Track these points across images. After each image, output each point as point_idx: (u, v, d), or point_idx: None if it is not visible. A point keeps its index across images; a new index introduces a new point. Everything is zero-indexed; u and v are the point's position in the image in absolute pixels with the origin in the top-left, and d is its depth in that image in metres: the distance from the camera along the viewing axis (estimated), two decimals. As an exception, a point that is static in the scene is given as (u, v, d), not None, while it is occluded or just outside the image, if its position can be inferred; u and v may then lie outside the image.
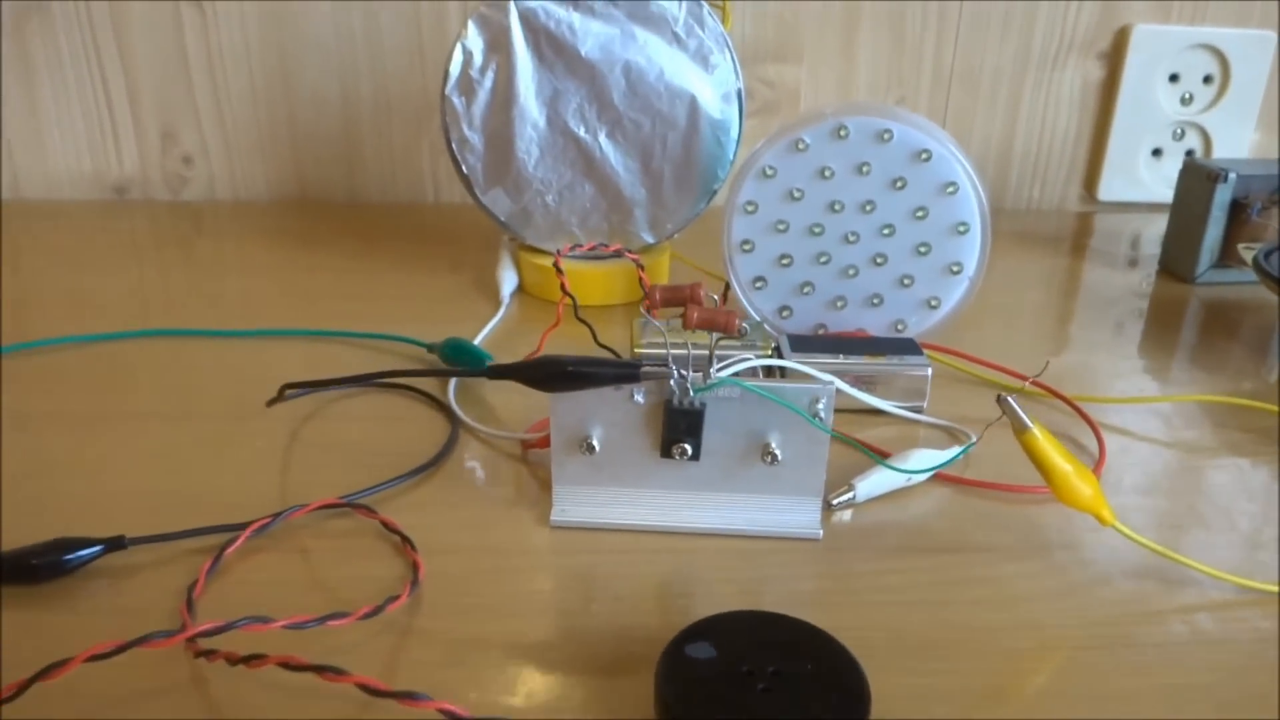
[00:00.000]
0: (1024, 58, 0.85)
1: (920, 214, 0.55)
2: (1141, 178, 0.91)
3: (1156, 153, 0.91)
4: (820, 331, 0.59)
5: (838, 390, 0.41)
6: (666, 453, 0.41)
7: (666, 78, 0.63)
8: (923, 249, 0.56)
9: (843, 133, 0.54)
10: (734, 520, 0.42)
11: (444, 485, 0.45)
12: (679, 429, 0.40)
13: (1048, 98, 0.87)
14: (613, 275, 0.67)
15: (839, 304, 0.58)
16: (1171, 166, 0.90)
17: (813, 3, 0.82)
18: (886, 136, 0.54)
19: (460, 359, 0.55)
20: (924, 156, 0.54)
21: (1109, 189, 0.92)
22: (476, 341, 0.60)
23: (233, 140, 0.86)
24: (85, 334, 0.60)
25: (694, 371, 0.40)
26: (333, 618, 0.34)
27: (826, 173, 0.55)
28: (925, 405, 0.52)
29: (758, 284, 0.58)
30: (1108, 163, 0.90)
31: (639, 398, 0.40)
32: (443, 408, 0.53)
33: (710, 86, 0.64)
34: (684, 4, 0.63)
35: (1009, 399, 0.37)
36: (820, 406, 0.40)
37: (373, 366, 0.57)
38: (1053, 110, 0.87)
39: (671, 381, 0.39)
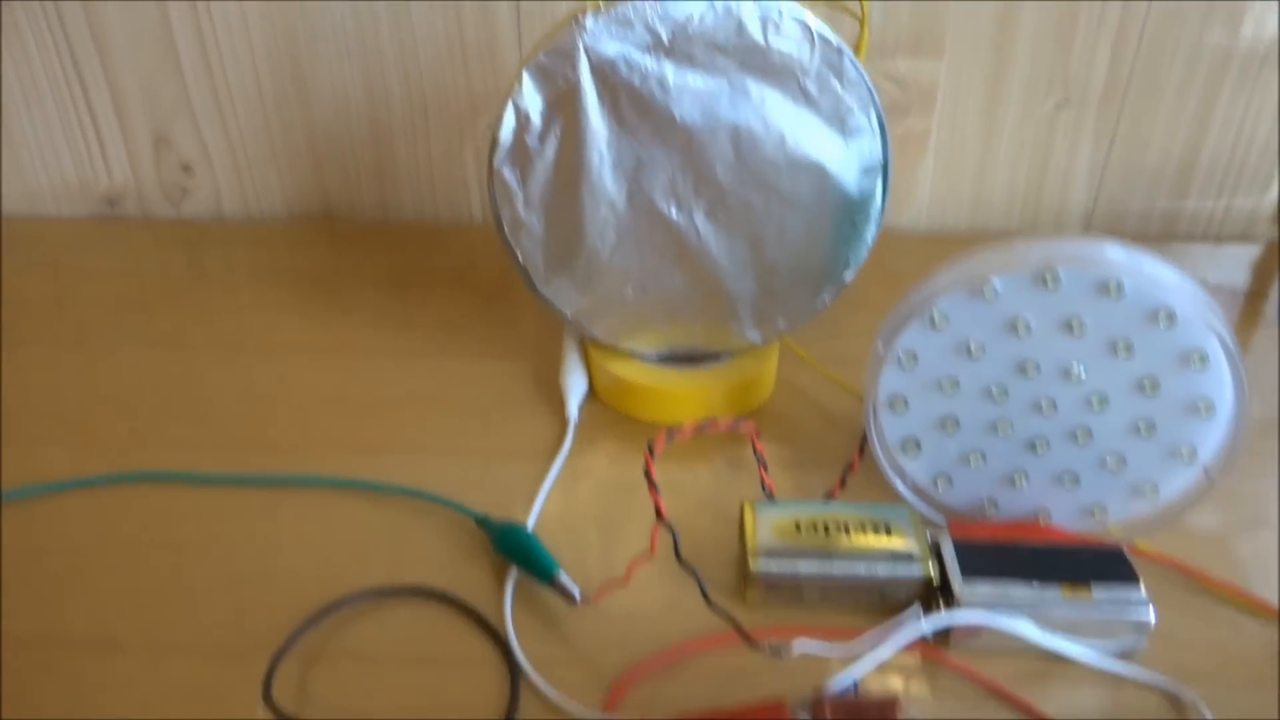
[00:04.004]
0: (1224, 54, 0.67)
1: (1148, 386, 0.40)
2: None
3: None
4: (989, 510, 0.45)
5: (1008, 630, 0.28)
6: None
7: (788, 145, 0.48)
8: (1143, 427, 0.41)
9: (1050, 281, 0.39)
10: None
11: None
12: None
13: (1249, 104, 0.68)
14: (709, 388, 0.53)
15: (1017, 480, 0.44)
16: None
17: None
18: (1114, 290, 0.39)
19: (518, 557, 0.43)
20: (1164, 319, 0.39)
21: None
22: (538, 498, 0.47)
23: (239, 146, 0.72)
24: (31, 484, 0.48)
25: None
26: None
27: (1020, 328, 0.40)
28: (1138, 650, 0.39)
29: (909, 449, 0.44)
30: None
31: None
32: (497, 640, 0.40)
33: (847, 155, 0.48)
34: (817, 48, 0.46)
35: None
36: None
37: (402, 542, 0.45)
38: (1253, 118, 0.69)
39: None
